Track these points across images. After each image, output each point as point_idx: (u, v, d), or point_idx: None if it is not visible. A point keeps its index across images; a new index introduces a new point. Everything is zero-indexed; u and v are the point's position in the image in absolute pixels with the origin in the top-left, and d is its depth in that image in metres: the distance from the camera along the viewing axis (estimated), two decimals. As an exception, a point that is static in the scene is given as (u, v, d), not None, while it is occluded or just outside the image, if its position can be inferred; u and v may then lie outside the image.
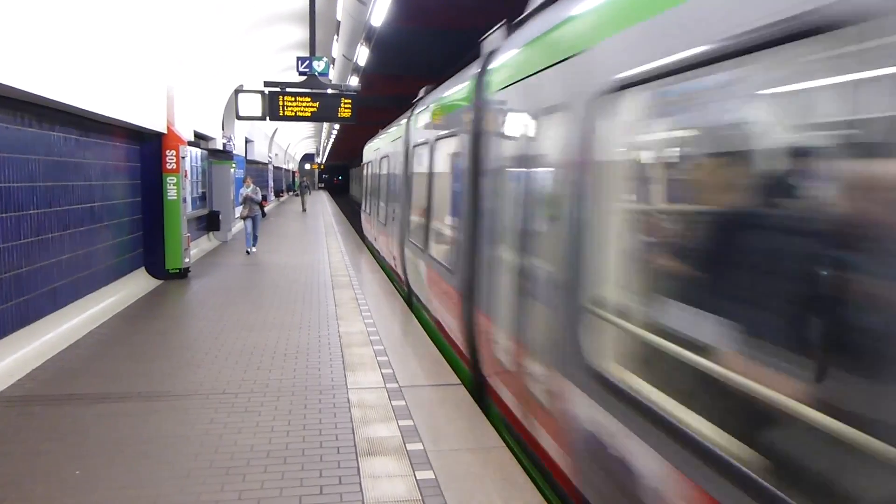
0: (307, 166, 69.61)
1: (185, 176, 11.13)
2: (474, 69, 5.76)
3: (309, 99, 10.89)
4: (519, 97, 4.35)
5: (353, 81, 18.76)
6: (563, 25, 3.64)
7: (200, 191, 15.09)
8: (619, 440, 2.70)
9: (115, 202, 8.92)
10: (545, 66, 3.77)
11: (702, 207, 2.54)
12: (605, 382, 2.79)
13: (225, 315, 8.08)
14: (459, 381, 5.58)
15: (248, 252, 14.13)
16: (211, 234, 15.91)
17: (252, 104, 10.79)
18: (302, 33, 14.43)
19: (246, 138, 22.56)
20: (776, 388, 1.88)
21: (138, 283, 9.60)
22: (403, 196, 9.82)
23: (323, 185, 77.94)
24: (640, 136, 2.90)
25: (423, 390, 5.39)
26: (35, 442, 4.29)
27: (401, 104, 15.66)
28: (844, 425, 1.62)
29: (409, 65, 21.18)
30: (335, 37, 15.10)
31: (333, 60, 16.89)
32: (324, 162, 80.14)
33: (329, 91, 11.12)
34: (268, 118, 10.99)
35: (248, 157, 23.00)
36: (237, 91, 11.11)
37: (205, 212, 15.44)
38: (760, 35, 1.90)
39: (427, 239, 7.60)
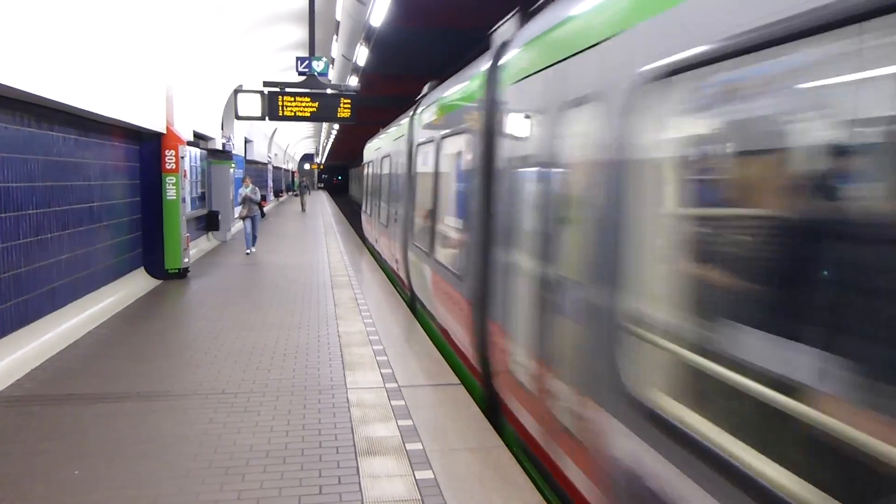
0: (306, 166, 69.56)
1: (185, 176, 11.14)
2: (484, 63, 5.37)
3: (308, 99, 10.89)
4: (542, 89, 3.87)
5: (353, 81, 18.74)
6: (596, 3, 3.22)
7: (200, 191, 15.07)
8: (665, 482, 2.35)
9: (115, 202, 8.91)
10: (574, 52, 3.32)
11: (776, 212, 2.12)
12: (652, 416, 2.43)
13: (224, 315, 8.07)
14: (459, 381, 5.57)
15: (247, 253, 14.12)
16: (210, 234, 15.90)
17: (251, 104, 10.79)
18: (301, 33, 14.43)
19: (245, 138, 22.58)
20: (873, 432, 1.53)
21: (137, 283, 9.60)
22: (406, 197, 9.52)
23: (322, 186, 77.94)
24: (698, 128, 2.49)
25: (423, 390, 5.39)
26: (34, 442, 4.28)
27: (400, 104, 15.67)
28: None
29: (409, 65, 21.17)
30: (335, 37, 15.10)
31: (333, 60, 16.89)
32: (323, 162, 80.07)
33: (328, 91, 11.12)
34: (267, 118, 10.98)
35: (247, 157, 23.01)
36: (236, 91, 11.12)
37: (204, 212, 15.44)
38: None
39: (433, 242, 7.24)
